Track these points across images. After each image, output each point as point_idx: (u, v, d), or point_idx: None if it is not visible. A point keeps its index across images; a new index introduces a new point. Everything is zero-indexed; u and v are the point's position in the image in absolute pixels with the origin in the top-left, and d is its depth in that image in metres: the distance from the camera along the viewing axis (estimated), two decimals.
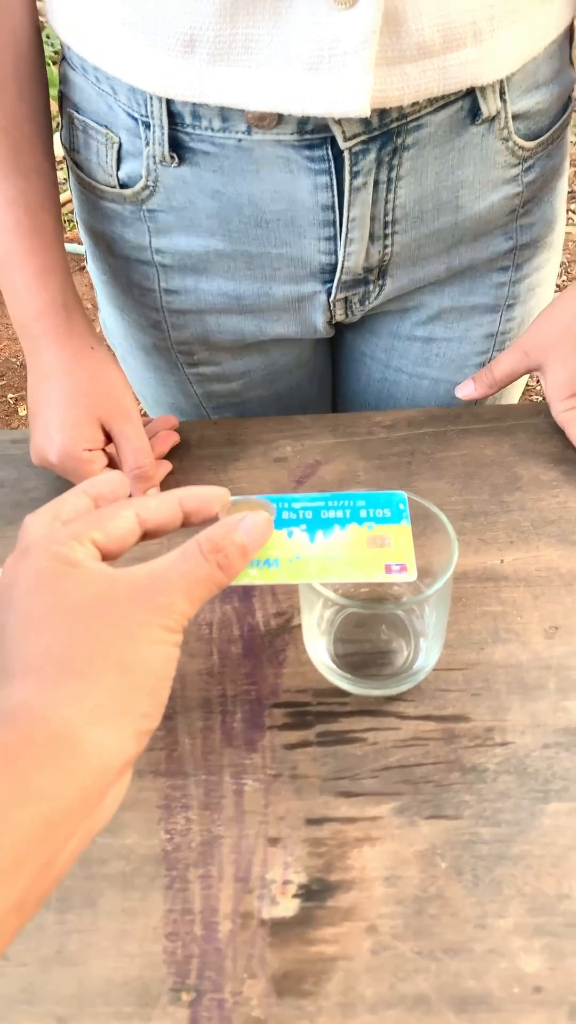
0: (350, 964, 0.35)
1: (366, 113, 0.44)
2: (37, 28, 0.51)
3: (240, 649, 0.47)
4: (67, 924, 0.37)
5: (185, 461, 0.58)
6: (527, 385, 1.71)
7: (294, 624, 0.48)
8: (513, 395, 0.72)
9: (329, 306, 0.59)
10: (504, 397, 0.68)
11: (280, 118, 0.46)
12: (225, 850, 0.39)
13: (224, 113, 0.47)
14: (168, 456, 0.57)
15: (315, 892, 0.38)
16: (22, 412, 2.00)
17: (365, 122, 0.47)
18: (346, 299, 0.59)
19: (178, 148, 0.49)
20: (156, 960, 0.36)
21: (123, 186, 0.53)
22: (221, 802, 0.41)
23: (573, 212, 2.25)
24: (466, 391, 0.58)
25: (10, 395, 2.05)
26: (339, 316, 0.61)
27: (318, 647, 0.45)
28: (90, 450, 0.51)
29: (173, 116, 0.48)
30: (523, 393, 0.73)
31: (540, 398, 1.86)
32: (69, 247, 2.16)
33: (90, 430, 0.51)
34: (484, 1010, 0.34)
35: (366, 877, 0.38)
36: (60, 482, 0.56)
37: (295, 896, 0.38)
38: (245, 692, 0.45)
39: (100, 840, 0.40)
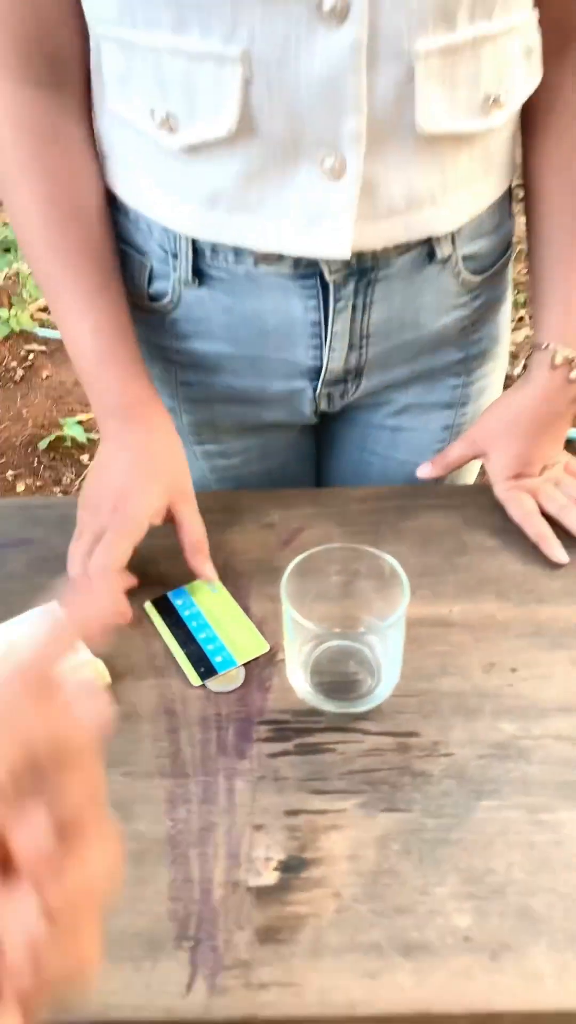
0: (319, 920, 0.44)
1: (347, 256, 0.57)
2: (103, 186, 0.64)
3: (240, 682, 0.57)
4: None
5: (163, 539, 0.69)
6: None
7: (279, 659, 0.58)
8: (469, 476, 0.84)
9: (315, 399, 0.71)
10: (460, 478, 0.80)
11: (280, 256, 0.59)
12: (219, 834, 0.48)
13: (237, 251, 0.60)
14: (148, 540, 0.66)
15: (292, 866, 0.47)
16: (20, 488, 2.09)
17: (346, 262, 0.60)
18: (329, 394, 0.71)
19: (199, 274, 0.62)
20: (163, 917, 0.45)
21: (152, 300, 0.66)
22: (216, 797, 0.50)
23: (523, 319, 2.44)
24: (425, 472, 0.70)
25: (9, 472, 2.16)
26: (323, 407, 0.73)
27: (298, 676, 0.55)
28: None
29: (196, 251, 0.61)
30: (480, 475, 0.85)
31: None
32: None
33: (159, 505, 0.60)
34: (424, 955, 0.43)
35: (333, 855, 0.47)
36: None
37: (275, 869, 0.47)
38: (237, 712, 0.55)
39: (118, 827, 0.49)
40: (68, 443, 2.22)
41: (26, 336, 2.66)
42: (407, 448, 0.77)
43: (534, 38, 0.58)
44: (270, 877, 0.46)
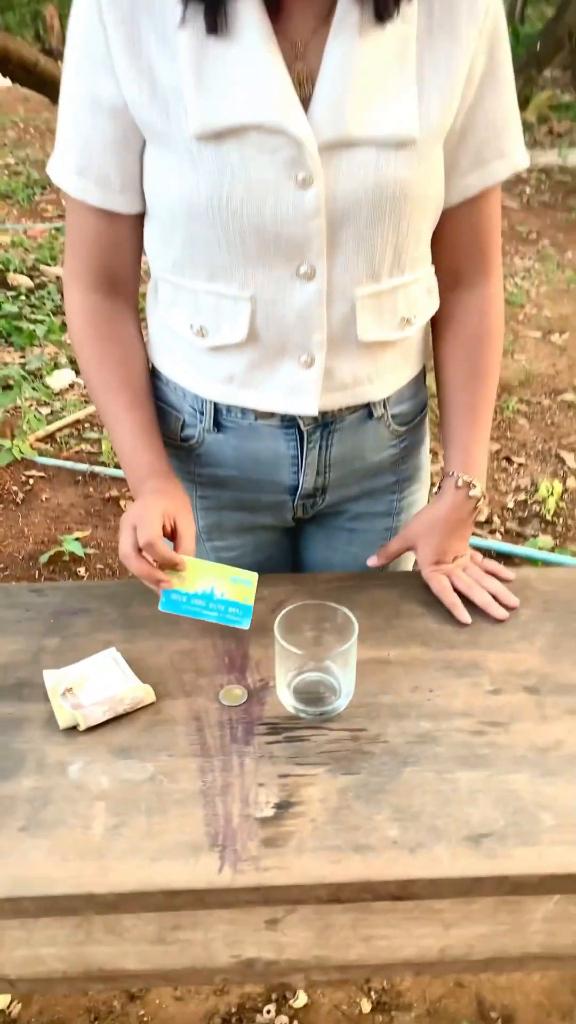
0: (301, 835, 0.69)
1: (315, 414, 0.87)
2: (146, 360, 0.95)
3: (246, 699, 0.83)
4: (156, 824, 0.70)
5: None
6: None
7: (271, 685, 0.84)
8: (407, 565, 1.12)
9: (293, 508, 1.00)
10: (400, 566, 1.09)
11: (272, 414, 0.90)
12: (235, 788, 0.73)
13: (244, 411, 0.90)
14: (174, 618, 0.92)
15: (282, 806, 0.71)
16: None
17: (314, 418, 0.90)
18: (303, 505, 1.00)
19: (217, 425, 0.92)
20: (202, 835, 0.69)
21: (183, 441, 0.95)
22: (231, 768, 0.75)
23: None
24: (373, 562, 0.98)
25: (12, 583, 2.40)
26: (299, 515, 1.02)
27: (285, 694, 0.81)
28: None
29: (216, 410, 0.91)
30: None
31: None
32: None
33: (164, 511, 0.83)
34: (370, 853, 0.67)
35: (310, 799, 0.72)
36: (129, 619, 0.93)
37: (272, 807, 0.71)
38: (243, 718, 0.80)
39: (169, 785, 0.73)
40: (67, 557, 2.48)
41: (26, 463, 2.96)
42: (359, 544, 1.05)
43: (433, 281, 0.91)
44: (269, 812, 0.71)
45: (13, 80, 1.84)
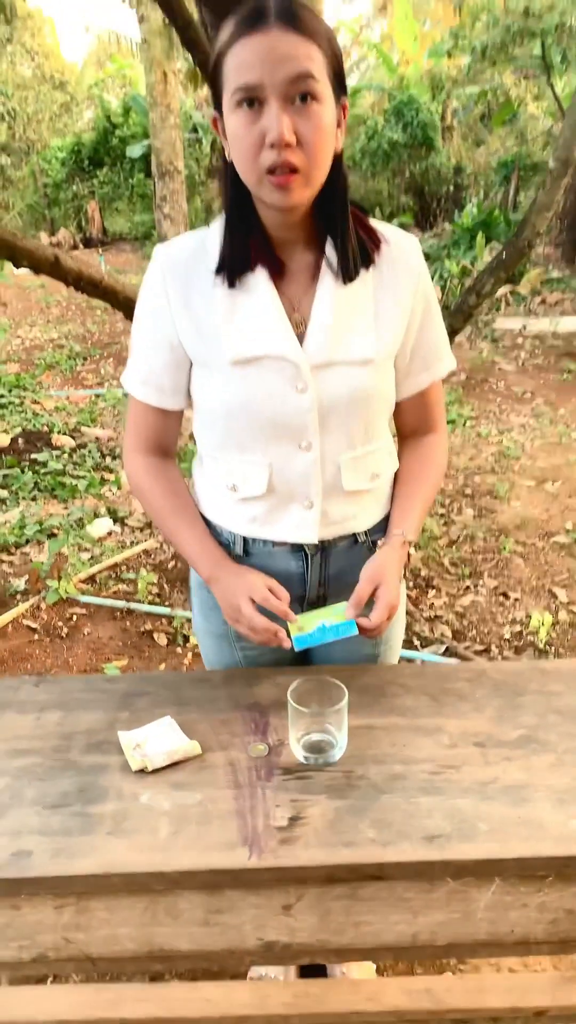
0: (307, 837, 0.97)
1: (315, 542, 1.22)
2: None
3: (267, 752, 1.12)
4: (203, 831, 0.99)
5: (222, 690, 1.27)
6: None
7: (286, 743, 1.13)
8: (394, 657, 1.42)
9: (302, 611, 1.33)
10: (390, 659, 1.39)
11: (285, 543, 1.24)
12: (259, 808, 1.02)
13: (264, 541, 1.24)
14: (213, 691, 1.24)
15: (294, 819, 1.00)
16: None
17: (314, 545, 1.24)
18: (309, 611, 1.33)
19: (245, 551, 1.26)
20: (235, 837, 0.97)
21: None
22: (257, 796, 1.04)
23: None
24: (350, 613, 1.22)
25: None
26: None
27: (296, 748, 1.11)
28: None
29: (244, 542, 1.26)
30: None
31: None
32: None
33: (250, 596, 1.18)
34: (355, 847, 0.95)
35: (313, 815, 1.00)
36: (179, 698, 1.24)
37: (286, 820, 1.00)
38: (266, 765, 1.10)
39: (212, 807, 1.02)
40: None
41: (71, 601, 3.31)
42: (353, 641, 1.35)
43: (392, 447, 1.28)
44: (283, 823, 0.99)
45: (85, 294, 2.32)
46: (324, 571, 1.29)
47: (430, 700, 1.22)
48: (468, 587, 3.45)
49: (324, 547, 1.26)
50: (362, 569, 1.24)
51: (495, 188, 13.99)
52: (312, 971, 1.70)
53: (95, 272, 2.26)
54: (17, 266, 2.16)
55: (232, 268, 1.13)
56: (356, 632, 1.20)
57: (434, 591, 3.41)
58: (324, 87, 1.00)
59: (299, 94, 0.98)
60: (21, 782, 1.07)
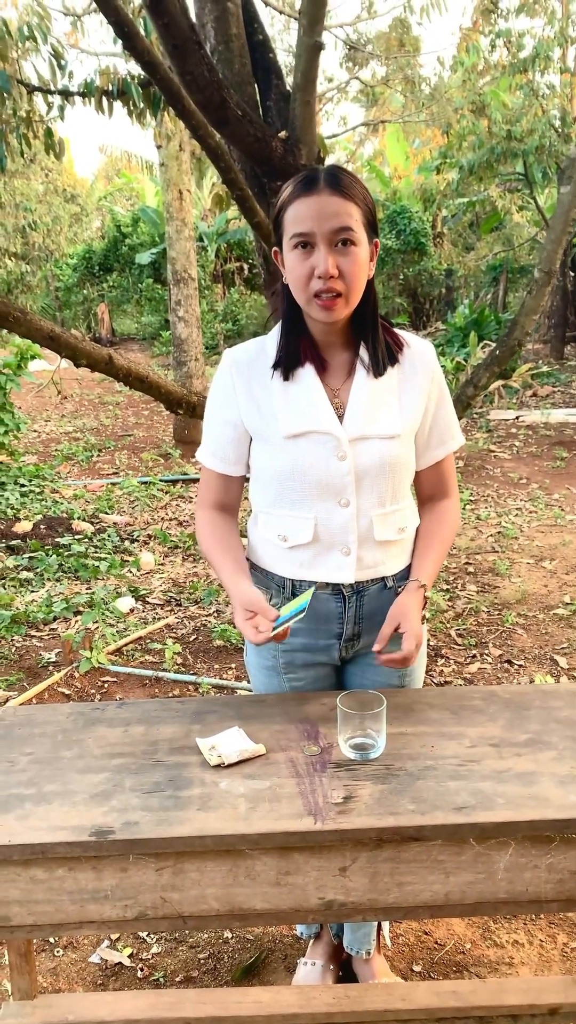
0: (359, 809, 1.20)
1: (351, 582, 1.49)
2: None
3: (319, 752, 1.36)
4: (275, 807, 1.22)
5: (276, 708, 1.51)
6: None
7: (335, 745, 1.37)
8: (418, 682, 1.66)
9: (339, 650, 1.58)
10: (414, 683, 1.63)
11: (327, 584, 1.51)
12: (319, 791, 1.25)
13: (309, 583, 1.51)
14: (269, 709, 1.49)
15: (347, 798, 1.23)
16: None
17: (351, 585, 1.51)
18: (345, 647, 1.57)
19: (294, 592, 1.53)
20: (301, 811, 1.21)
21: (273, 605, 1.55)
22: (316, 783, 1.27)
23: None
24: (376, 647, 1.50)
25: None
26: (343, 655, 1.59)
27: (345, 748, 1.35)
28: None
29: (292, 585, 1.53)
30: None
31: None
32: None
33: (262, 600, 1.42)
34: (399, 815, 1.19)
35: (362, 795, 1.24)
36: (242, 715, 1.49)
37: (341, 798, 1.23)
38: (319, 760, 1.33)
39: (280, 790, 1.26)
40: None
41: (102, 671, 3.53)
42: (382, 674, 1.61)
43: (414, 507, 1.57)
44: (340, 800, 1.23)
45: (132, 388, 2.66)
46: (359, 611, 1.55)
47: (450, 714, 1.47)
48: (475, 655, 3.68)
49: (359, 589, 1.53)
50: (393, 606, 1.50)
51: (485, 289, 14.81)
52: (346, 978, 1.88)
53: (141, 369, 2.60)
54: (77, 365, 2.49)
55: (287, 364, 1.44)
56: (305, 607, 1.39)
57: (443, 660, 3.64)
58: (360, 234, 1.34)
59: (340, 240, 1.32)
60: (120, 775, 1.30)
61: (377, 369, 1.45)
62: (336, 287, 1.34)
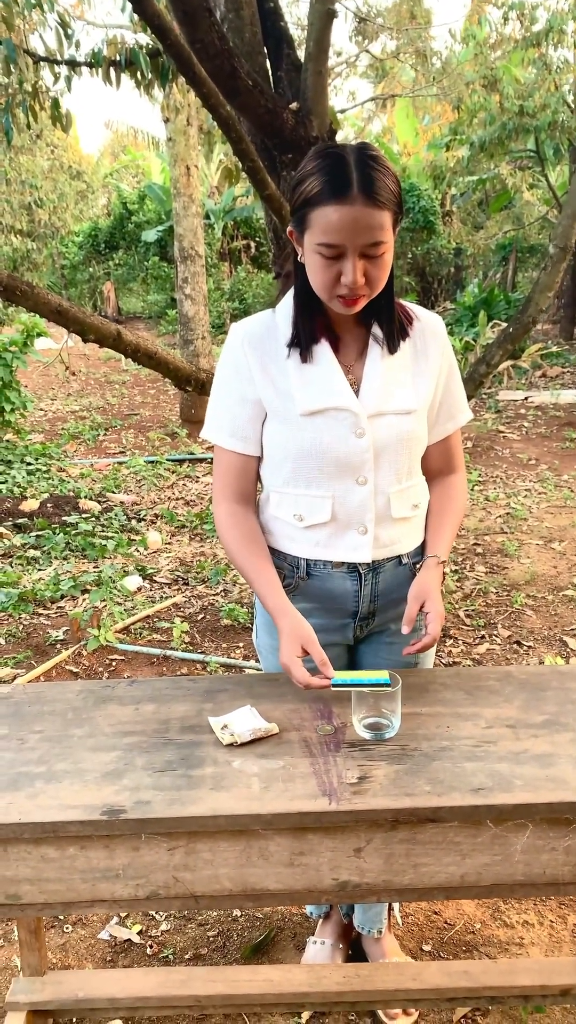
0: (374, 789, 1.19)
1: (368, 561, 1.46)
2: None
3: (333, 732, 1.34)
4: (289, 786, 1.20)
5: (288, 687, 1.49)
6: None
7: (349, 725, 1.35)
8: (428, 662, 1.64)
9: (354, 629, 1.55)
10: (426, 663, 1.61)
11: (343, 563, 1.48)
12: (333, 771, 1.23)
13: (324, 563, 1.48)
14: (280, 687, 1.46)
15: (362, 778, 1.21)
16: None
17: (367, 564, 1.48)
18: (360, 626, 1.55)
19: (308, 573, 1.50)
20: (316, 791, 1.19)
21: (284, 587, 1.52)
22: (330, 762, 1.26)
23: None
24: (404, 630, 1.48)
25: None
26: (357, 634, 1.57)
27: (360, 727, 1.33)
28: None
29: (308, 564, 1.50)
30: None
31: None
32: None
33: (297, 646, 1.39)
34: (415, 796, 1.17)
35: (377, 775, 1.22)
36: (253, 694, 1.47)
37: (356, 778, 1.21)
38: (334, 739, 1.32)
39: (294, 770, 1.24)
40: None
41: (109, 649, 3.52)
42: (395, 652, 1.58)
43: (425, 484, 1.54)
44: (354, 780, 1.21)
45: (140, 364, 2.62)
46: (374, 589, 1.53)
47: (466, 694, 1.44)
48: (483, 636, 3.66)
49: (375, 567, 1.51)
50: (408, 590, 1.48)
51: (494, 269, 14.66)
52: (355, 957, 1.87)
53: (150, 345, 2.57)
54: (85, 340, 2.46)
55: (303, 343, 1.41)
56: (388, 684, 1.32)
57: (451, 640, 3.62)
58: (389, 238, 1.30)
59: (371, 249, 1.28)
60: (132, 754, 1.29)
61: (392, 345, 1.42)
62: (362, 292, 1.32)
